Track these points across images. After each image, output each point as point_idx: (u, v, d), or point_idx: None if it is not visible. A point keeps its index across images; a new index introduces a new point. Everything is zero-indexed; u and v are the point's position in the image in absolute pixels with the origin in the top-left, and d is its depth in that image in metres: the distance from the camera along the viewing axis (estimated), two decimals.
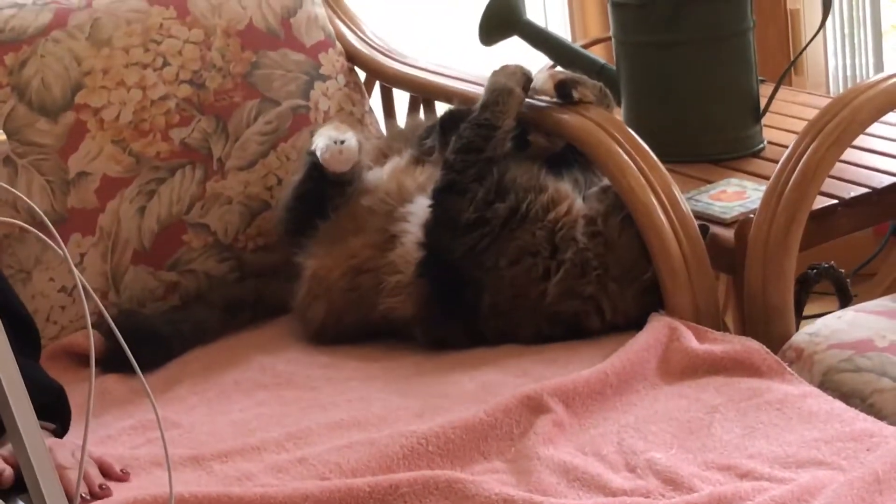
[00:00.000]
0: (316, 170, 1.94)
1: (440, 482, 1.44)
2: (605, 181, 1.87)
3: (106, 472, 1.55)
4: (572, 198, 1.86)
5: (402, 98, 2.36)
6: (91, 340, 1.20)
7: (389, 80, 2.32)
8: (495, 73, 1.93)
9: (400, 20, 2.95)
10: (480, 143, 1.86)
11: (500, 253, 1.81)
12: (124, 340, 1.25)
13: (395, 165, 1.99)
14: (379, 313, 1.88)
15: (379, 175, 1.98)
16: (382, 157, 2.05)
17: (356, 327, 1.91)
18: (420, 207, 1.88)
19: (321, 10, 2.25)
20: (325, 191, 1.95)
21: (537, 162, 1.91)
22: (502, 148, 1.86)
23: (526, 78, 1.93)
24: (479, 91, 2.05)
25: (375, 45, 2.34)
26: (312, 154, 1.95)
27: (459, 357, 1.80)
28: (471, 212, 1.82)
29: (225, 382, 1.83)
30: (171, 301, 2.05)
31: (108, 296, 2.02)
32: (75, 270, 1.20)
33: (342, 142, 1.91)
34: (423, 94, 2.26)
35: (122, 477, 1.55)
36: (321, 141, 1.93)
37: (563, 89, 1.95)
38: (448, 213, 1.83)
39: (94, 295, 1.23)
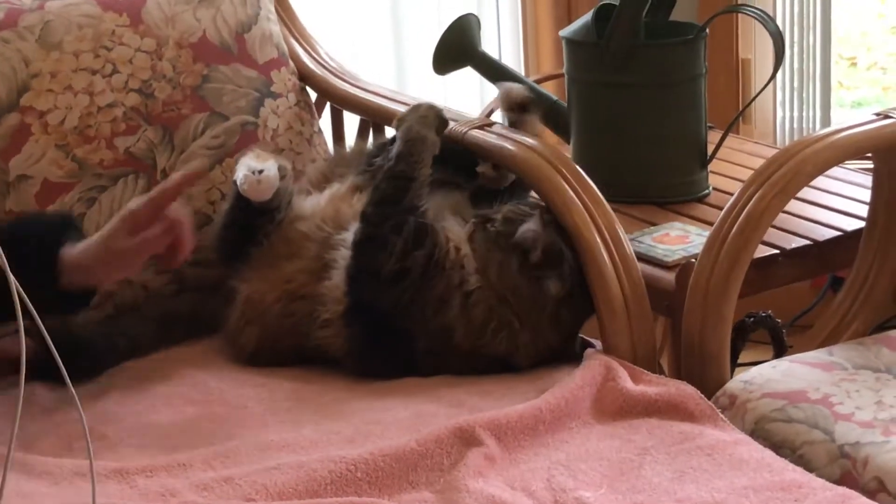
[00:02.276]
0: (241, 199, 1.91)
1: None
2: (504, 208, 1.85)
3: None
4: (461, 237, 1.85)
5: (352, 120, 2.35)
6: (22, 346, 1.18)
7: (340, 102, 2.31)
8: (408, 118, 1.90)
9: (361, 42, 2.95)
10: (397, 194, 1.84)
11: (424, 302, 1.80)
12: (56, 349, 1.23)
13: (335, 192, 1.98)
14: (312, 342, 1.87)
15: (316, 201, 1.97)
16: (325, 181, 2.04)
17: (290, 353, 1.89)
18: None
19: (276, 28, 2.24)
20: (253, 219, 1.92)
21: (455, 199, 1.92)
22: (419, 198, 1.85)
23: (440, 120, 1.91)
24: None
25: (328, 66, 2.33)
26: (235, 183, 1.93)
27: (394, 384, 1.79)
28: (392, 264, 1.80)
29: (155, 396, 1.81)
30: (105, 310, 2.03)
31: None
32: (10, 274, 1.18)
33: (260, 171, 1.88)
34: (374, 117, 2.26)
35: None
36: (240, 171, 1.90)
37: (523, 106, 2.00)
38: (369, 267, 1.82)
39: (27, 300, 1.21)
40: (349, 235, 1.87)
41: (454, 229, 1.85)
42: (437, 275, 1.80)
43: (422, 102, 1.95)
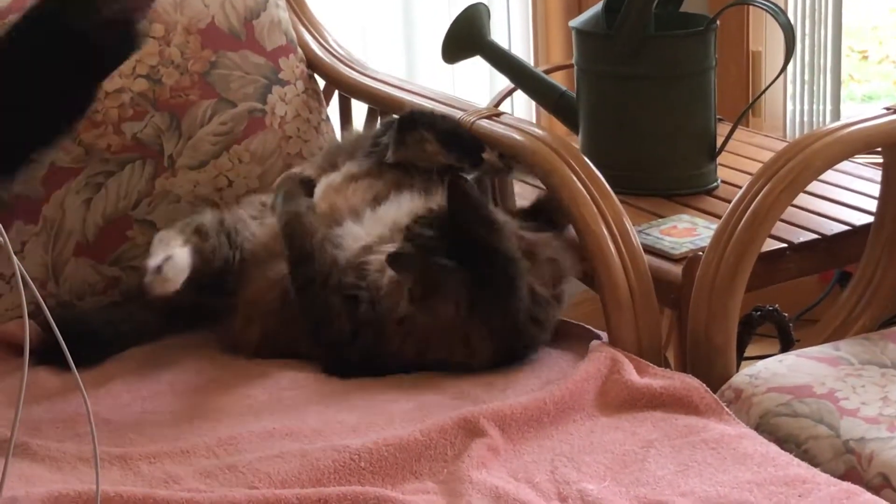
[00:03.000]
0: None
1: (369, 499, 1.43)
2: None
3: None
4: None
5: (360, 109, 2.34)
6: (27, 331, 1.18)
7: (348, 90, 2.31)
8: (277, 197, 1.90)
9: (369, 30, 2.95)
10: (306, 277, 1.82)
11: (383, 333, 1.78)
12: (61, 334, 1.23)
13: (329, 183, 1.98)
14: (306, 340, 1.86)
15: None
16: (322, 173, 2.04)
17: (291, 347, 1.88)
18: (347, 232, 1.86)
19: (285, 15, 2.24)
20: (219, 283, 1.91)
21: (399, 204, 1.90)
22: (325, 255, 1.83)
23: (300, 182, 1.92)
24: (438, 107, 2.06)
25: (336, 54, 2.32)
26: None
27: (398, 375, 1.79)
28: (346, 329, 1.79)
29: (159, 383, 1.81)
30: (110, 296, 2.03)
31: (48, 286, 1.99)
32: (14, 259, 1.18)
33: (158, 269, 1.80)
34: (382, 106, 2.25)
35: None
36: (146, 275, 1.82)
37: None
38: (330, 343, 1.81)
39: (32, 285, 1.21)
40: (341, 231, 1.87)
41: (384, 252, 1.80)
42: (377, 309, 1.78)
43: (279, 180, 1.97)
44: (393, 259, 1.73)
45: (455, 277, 1.73)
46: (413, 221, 1.79)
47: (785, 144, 1.92)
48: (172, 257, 1.81)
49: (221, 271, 1.91)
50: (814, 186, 2.11)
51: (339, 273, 1.81)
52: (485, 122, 2.00)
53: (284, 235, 1.86)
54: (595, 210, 1.82)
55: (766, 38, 3.03)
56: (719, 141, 2.32)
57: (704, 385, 1.68)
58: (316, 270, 1.82)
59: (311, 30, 2.36)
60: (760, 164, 1.87)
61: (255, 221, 1.98)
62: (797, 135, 3.01)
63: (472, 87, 2.96)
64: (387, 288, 1.77)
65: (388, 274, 1.76)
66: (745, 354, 2.05)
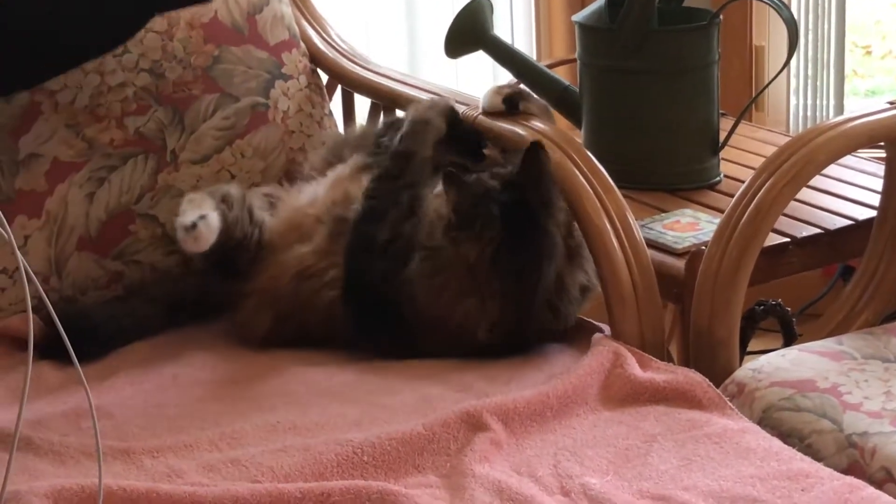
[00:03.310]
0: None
1: (372, 493, 1.43)
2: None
3: None
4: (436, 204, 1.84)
5: (363, 103, 2.34)
6: (30, 325, 1.18)
7: (351, 85, 2.31)
8: (416, 106, 1.97)
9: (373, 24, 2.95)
10: (396, 171, 1.88)
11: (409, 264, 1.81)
12: (64, 328, 1.23)
13: (339, 174, 1.99)
14: (319, 314, 1.86)
15: (314, 188, 1.99)
16: (328, 166, 2.04)
17: (300, 331, 1.89)
18: None
19: (287, 9, 2.24)
20: (226, 258, 1.92)
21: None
22: (420, 175, 1.88)
23: (449, 110, 1.96)
24: None
25: (339, 49, 2.32)
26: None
27: (401, 367, 1.79)
28: (385, 233, 1.83)
29: (163, 376, 1.81)
30: (113, 290, 2.03)
31: (50, 281, 1.99)
32: (18, 253, 1.19)
33: (193, 225, 1.84)
34: (384, 100, 2.25)
35: None
36: (178, 231, 1.87)
37: (510, 102, 1.98)
38: (365, 238, 1.84)
39: (35, 279, 1.21)
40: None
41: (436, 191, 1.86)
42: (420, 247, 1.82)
43: (436, 97, 2.00)
44: (449, 175, 1.76)
45: (492, 226, 1.76)
46: (483, 171, 1.83)
47: (788, 139, 1.92)
48: (206, 217, 1.85)
49: (238, 247, 1.92)
50: (817, 181, 2.11)
51: (412, 194, 1.85)
52: (479, 110, 2.01)
53: (406, 124, 1.93)
54: (598, 204, 1.82)
55: (769, 33, 3.03)
56: (722, 135, 2.32)
57: (707, 379, 1.68)
58: (404, 171, 1.87)
59: (314, 24, 2.36)
60: (763, 159, 1.87)
61: (265, 213, 1.98)
62: (800, 129, 3.01)
63: (474, 81, 2.96)
64: (431, 216, 1.80)
65: (435, 205, 1.80)
66: (748, 349, 2.05)
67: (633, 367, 1.70)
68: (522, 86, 2.28)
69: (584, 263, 1.84)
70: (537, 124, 1.95)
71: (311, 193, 1.98)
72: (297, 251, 1.91)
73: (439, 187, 1.83)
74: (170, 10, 1.89)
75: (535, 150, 1.79)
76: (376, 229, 1.84)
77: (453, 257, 1.77)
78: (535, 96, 2.02)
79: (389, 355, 1.82)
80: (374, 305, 1.83)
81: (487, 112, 2.00)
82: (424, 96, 2.13)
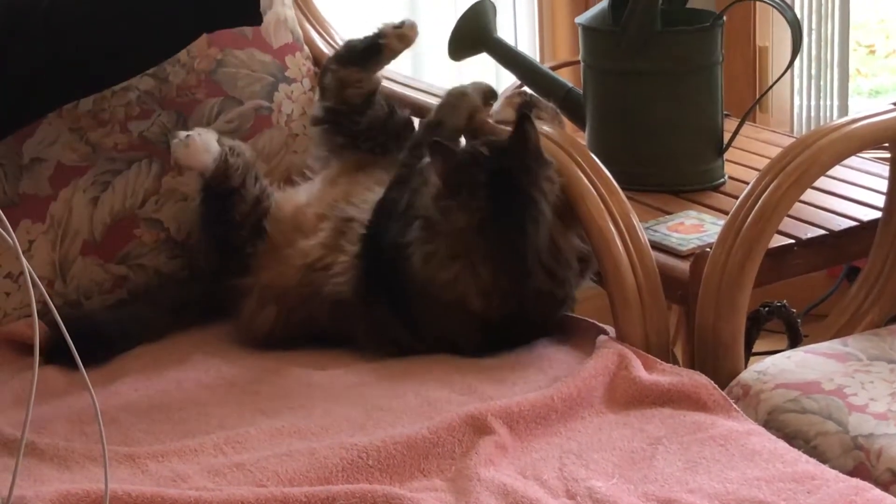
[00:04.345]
0: (206, 188, 1.96)
1: (377, 497, 1.43)
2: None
3: None
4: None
5: None
6: (36, 330, 1.18)
7: None
8: (455, 87, 2.00)
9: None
10: (425, 140, 1.90)
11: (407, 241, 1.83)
12: (69, 333, 1.23)
13: (336, 172, 2.01)
14: (325, 304, 1.87)
15: (309, 187, 2.01)
16: (323, 165, 2.08)
17: (303, 326, 1.89)
18: (376, 196, 1.91)
19: (291, 13, 2.24)
20: (227, 209, 1.95)
21: None
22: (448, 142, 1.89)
23: (489, 89, 2.00)
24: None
25: None
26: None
27: (405, 370, 1.79)
28: (405, 200, 1.86)
29: (167, 381, 1.81)
30: (118, 294, 2.03)
31: (55, 285, 1.99)
32: (22, 258, 1.18)
33: (187, 136, 1.92)
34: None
35: None
36: (172, 145, 1.95)
37: (522, 111, 1.96)
38: (390, 203, 1.88)
39: (40, 284, 1.21)
40: (368, 195, 1.92)
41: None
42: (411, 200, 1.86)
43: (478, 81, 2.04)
44: (434, 144, 1.79)
45: (478, 193, 1.78)
46: (474, 138, 1.88)
47: (792, 140, 1.92)
48: (202, 134, 1.93)
49: (236, 196, 1.95)
50: (821, 182, 2.10)
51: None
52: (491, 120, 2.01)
53: (443, 97, 1.97)
54: (602, 206, 1.82)
55: (772, 34, 3.03)
56: (726, 137, 2.31)
57: (712, 381, 1.68)
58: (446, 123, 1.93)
59: (318, 27, 2.36)
60: (768, 160, 1.87)
61: (279, 197, 2.01)
62: (804, 130, 3.00)
63: None
64: (423, 188, 1.83)
65: (431, 178, 1.82)
66: (754, 350, 2.05)
67: (638, 370, 1.70)
68: (526, 89, 2.28)
69: (579, 228, 1.85)
70: (541, 126, 1.95)
71: (308, 192, 2.00)
72: (302, 245, 1.92)
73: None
74: (218, 29, 1.90)
75: (522, 120, 1.82)
76: (400, 195, 1.87)
77: (443, 225, 1.79)
78: (544, 101, 2.01)
79: (392, 333, 1.83)
80: (382, 269, 1.85)
81: (500, 122, 2.00)
82: (428, 99, 2.13)
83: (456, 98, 1.98)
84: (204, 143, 1.93)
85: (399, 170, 1.92)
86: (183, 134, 1.93)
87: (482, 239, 1.78)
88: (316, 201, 1.97)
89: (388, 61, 2.07)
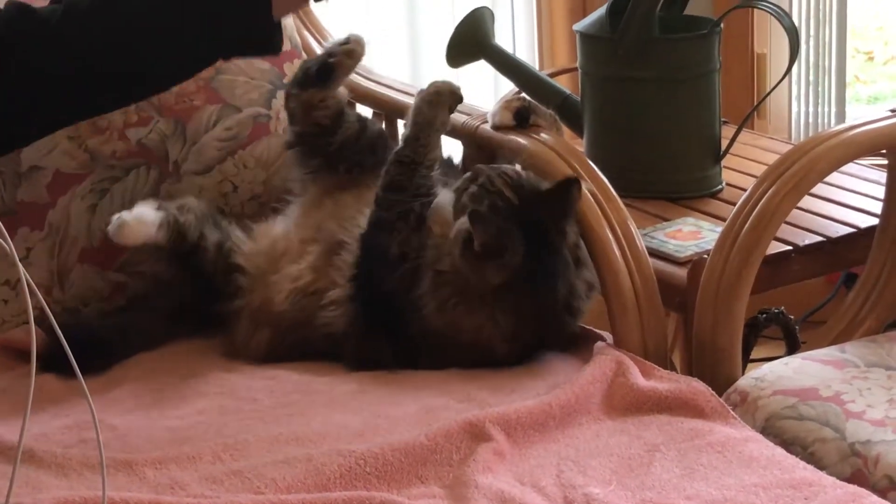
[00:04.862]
0: (169, 251, 1.96)
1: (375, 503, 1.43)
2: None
3: None
4: (447, 213, 1.83)
5: (365, 113, 2.34)
6: (33, 337, 1.18)
7: (353, 95, 2.31)
8: (421, 99, 1.91)
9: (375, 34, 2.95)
10: (404, 180, 1.85)
11: (418, 285, 1.79)
12: (66, 340, 1.23)
13: (312, 198, 2.00)
14: (319, 331, 1.87)
15: (290, 214, 2.00)
16: (293, 191, 2.06)
17: (298, 348, 1.89)
18: (364, 217, 1.88)
19: (289, 20, 2.24)
20: (198, 263, 1.96)
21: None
22: (427, 180, 1.86)
23: (453, 97, 1.91)
24: None
25: None
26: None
27: (403, 378, 1.79)
28: (395, 248, 1.81)
29: (165, 388, 1.81)
30: (116, 302, 2.03)
31: (53, 292, 1.99)
32: (20, 265, 1.18)
33: (118, 218, 1.91)
34: (386, 110, 2.26)
35: None
36: (110, 225, 1.93)
37: (520, 116, 1.98)
38: (377, 249, 1.83)
39: (37, 291, 1.21)
40: (359, 219, 1.89)
41: (442, 204, 1.84)
42: (433, 259, 1.80)
43: (437, 80, 1.94)
44: (474, 214, 1.73)
45: (517, 257, 1.73)
46: (497, 175, 1.80)
47: (790, 147, 1.92)
48: (133, 210, 1.91)
49: (197, 251, 1.95)
50: (818, 189, 2.11)
51: (420, 203, 1.83)
52: (488, 127, 2.00)
53: (410, 126, 1.89)
54: (600, 213, 1.82)
55: (770, 40, 3.03)
56: (724, 143, 2.32)
57: (710, 388, 1.67)
58: (411, 179, 1.85)
59: (316, 35, 2.36)
60: (765, 167, 1.88)
61: (243, 235, 1.99)
62: (802, 137, 3.00)
63: (476, 91, 2.96)
64: (434, 237, 1.79)
65: (439, 221, 1.79)
66: (751, 357, 2.05)
67: (636, 376, 1.70)
68: (524, 95, 2.28)
69: (587, 262, 1.83)
70: (544, 136, 1.95)
71: (290, 218, 1.99)
72: (291, 270, 1.90)
73: (440, 198, 1.83)
74: (235, 57, 1.89)
75: (570, 183, 1.78)
76: (386, 243, 1.82)
77: (473, 282, 1.75)
78: (543, 107, 2.00)
79: (390, 367, 1.82)
80: (382, 317, 1.82)
81: (498, 127, 2.00)
82: None
83: (425, 130, 1.88)
84: (137, 219, 1.90)
85: (379, 210, 1.86)
86: (114, 217, 1.91)
87: (511, 293, 1.75)
88: (299, 227, 1.96)
89: (344, 77, 2.02)
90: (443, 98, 1.90)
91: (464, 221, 1.74)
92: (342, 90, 2.04)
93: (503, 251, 1.73)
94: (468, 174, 1.83)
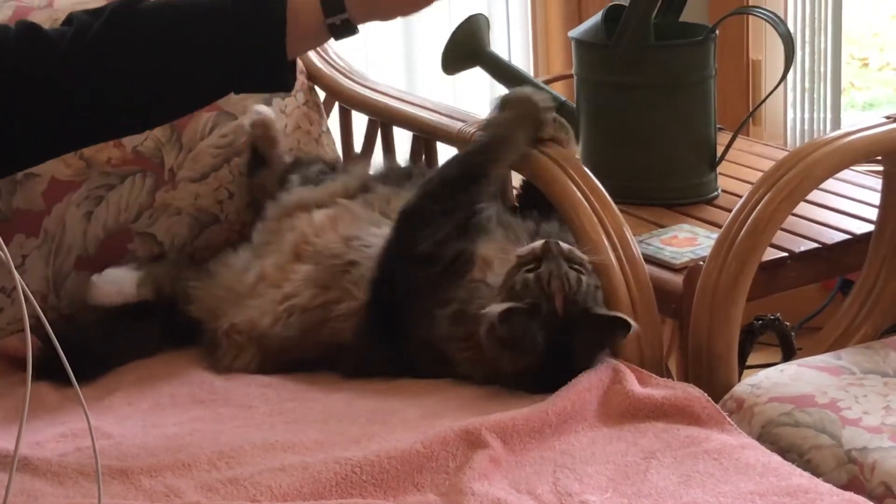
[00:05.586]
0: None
1: None
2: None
3: None
4: (493, 264, 1.78)
5: (361, 120, 2.34)
6: (28, 344, 1.18)
7: (348, 102, 2.31)
8: (510, 107, 1.87)
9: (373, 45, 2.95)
10: (464, 183, 1.81)
11: (435, 294, 1.77)
12: (62, 348, 1.23)
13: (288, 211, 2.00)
14: (320, 344, 1.85)
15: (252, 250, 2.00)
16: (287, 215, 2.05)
17: (290, 365, 1.88)
18: (373, 237, 1.86)
19: None
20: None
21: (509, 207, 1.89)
22: (482, 195, 1.81)
23: (535, 126, 1.88)
24: (438, 119, 2.06)
25: (337, 66, 2.33)
26: None
27: (400, 385, 1.79)
28: (426, 245, 1.77)
29: (160, 395, 1.81)
30: (111, 310, 2.02)
31: (48, 299, 1.99)
32: (15, 272, 1.18)
33: (97, 279, 1.97)
34: (382, 117, 2.25)
35: None
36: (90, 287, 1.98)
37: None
38: (407, 241, 1.79)
39: (32, 299, 1.21)
40: (373, 238, 1.86)
41: (491, 245, 1.80)
42: (453, 276, 1.77)
43: (533, 96, 1.89)
44: (505, 314, 1.67)
45: (533, 353, 1.70)
46: (558, 275, 1.70)
47: (785, 153, 1.92)
48: (119, 274, 1.96)
49: (168, 305, 1.98)
50: (814, 195, 2.11)
51: (467, 213, 1.79)
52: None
53: (490, 131, 1.85)
54: (595, 220, 1.82)
55: (765, 47, 3.03)
56: (719, 150, 2.32)
57: (706, 395, 1.67)
58: (469, 185, 1.80)
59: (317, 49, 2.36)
60: (761, 174, 1.87)
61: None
62: (797, 143, 3.01)
63: (472, 98, 2.97)
64: (476, 274, 1.76)
65: (483, 261, 1.76)
66: (747, 364, 2.05)
67: (632, 384, 1.70)
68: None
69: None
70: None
71: (247, 253, 2.00)
72: (275, 294, 1.88)
73: (492, 239, 1.80)
74: (247, 92, 1.89)
75: (622, 324, 1.71)
76: (420, 235, 1.77)
77: (489, 356, 1.72)
78: (563, 120, 1.94)
79: (387, 375, 1.82)
80: (390, 322, 1.80)
81: None
82: (421, 113, 2.13)
83: (503, 145, 1.84)
84: (112, 280, 1.97)
85: (421, 200, 1.80)
86: (94, 278, 1.97)
87: (529, 374, 1.73)
88: (271, 253, 1.95)
89: (272, 147, 2.10)
90: (527, 123, 1.88)
91: (496, 308, 1.68)
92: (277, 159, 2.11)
93: (522, 352, 1.70)
94: (539, 244, 1.73)
